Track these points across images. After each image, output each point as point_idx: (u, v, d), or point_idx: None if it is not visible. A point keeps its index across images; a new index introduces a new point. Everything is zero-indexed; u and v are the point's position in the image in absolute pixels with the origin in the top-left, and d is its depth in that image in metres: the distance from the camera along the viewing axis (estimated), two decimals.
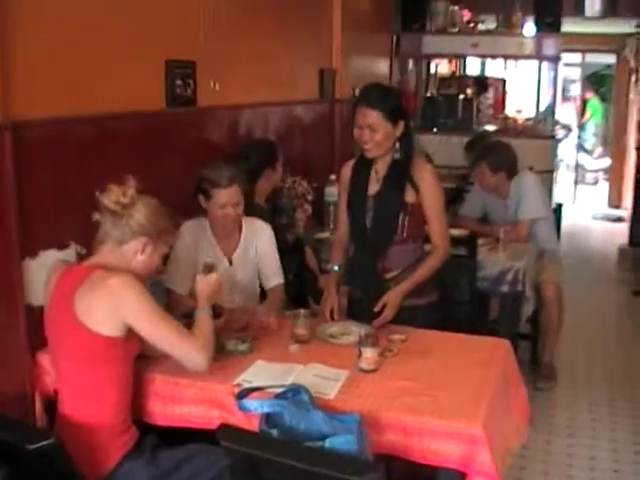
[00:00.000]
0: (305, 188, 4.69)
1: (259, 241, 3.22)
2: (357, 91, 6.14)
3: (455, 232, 4.06)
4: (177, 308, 2.90)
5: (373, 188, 2.98)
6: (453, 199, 5.45)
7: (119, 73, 3.06)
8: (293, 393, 2.16)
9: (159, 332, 2.25)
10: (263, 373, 2.49)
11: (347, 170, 3.10)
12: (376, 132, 2.81)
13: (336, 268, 3.09)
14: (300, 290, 3.80)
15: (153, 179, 3.27)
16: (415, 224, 2.97)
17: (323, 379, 2.44)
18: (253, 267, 3.21)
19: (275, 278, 3.22)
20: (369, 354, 2.50)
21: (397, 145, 2.90)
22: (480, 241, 4.08)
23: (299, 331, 2.76)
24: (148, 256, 2.33)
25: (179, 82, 3.48)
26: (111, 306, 2.18)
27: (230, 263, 3.16)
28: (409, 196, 2.93)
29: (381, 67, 6.90)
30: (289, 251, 3.78)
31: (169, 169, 3.42)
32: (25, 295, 2.51)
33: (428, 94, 7.65)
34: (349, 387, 2.40)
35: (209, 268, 2.59)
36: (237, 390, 2.27)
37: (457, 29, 7.07)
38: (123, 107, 3.06)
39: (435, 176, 2.98)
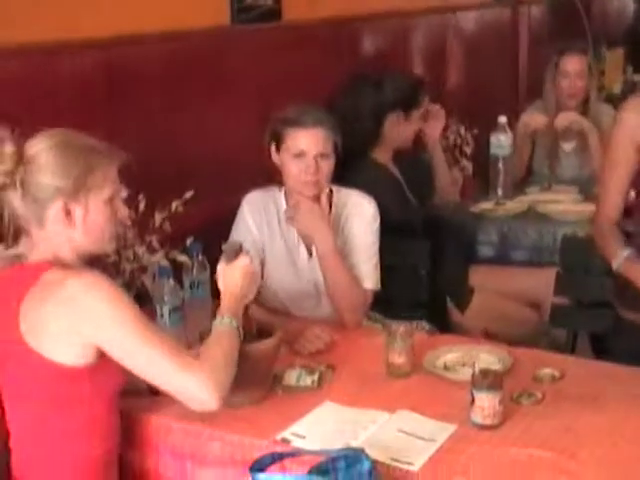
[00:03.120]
0: (462, 137, 4.47)
1: (353, 224, 3.02)
2: None
3: None
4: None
5: None
6: None
7: None
8: (347, 462, 1.97)
9: (141, 354, 2.07)
10: (326, 423, 2.31)
11: (636, 115, 2.71)
12: None
13: (626, 252, 2.78)
14: (434, 291, 3.58)
15: (210, 133, 3.24)
16: None
17: (412, 437, 2.22)
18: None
19: (364, 281, 3.01)
20: (485, 402, 2.25)
21: None
22: None
23: (395, 359, 2.56)
24: (82, 220, 2.12)
25: None
26: (70, 321, 2.04)
27: (310, 254, 3.01)
28: None
29: None
30: (415, 232, 3.59)
31: (236, 117, 3.32)
32: None
33: None
34: (449, 452, 2.16)
35: (234, 252, 2.38)
36: (276, 449, 2.12)
37: None
38: (151, 26, 2.98)
39: None
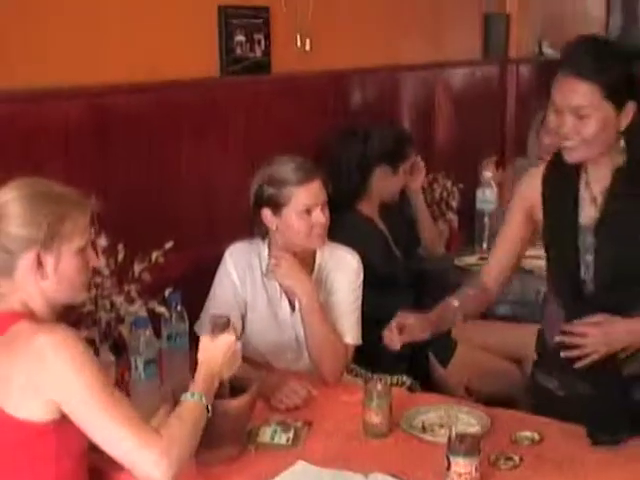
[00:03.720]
0: (448, 190, 4.38)
1: (336, 278, 2.90)
2: (545, 46, 5.78)
3: None
4: None
5: (588, 214, 2.40)
6: None
7: (137, 27, 2.91)
8: None
9: (100, 422, 1.92)
10: None
11: (534, 183, 2.51)
12: (587, 119, 2.24)
13: (456, 303, 2.58)
14: (416, 345, 3.44)
15: (197, 183, 3.14)
16: None
17: None
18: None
19: (346, 336, 2.89)
20: (461, 467, 2.11)
21: (622, 143, 2.31)
22: None
23: (372, 418, 2.43)
24: (53, 271, 1.99)
25: (240, 38, 3.28)
26: (35, 377, 1.90)
27: (293, 309, 2.89)
28: None
29: (591, 8, 6.34)
30: (399, 286, 3.48)
31: (223, 167, 3.22)
32: None
33: None
34: None
35: (221, 325, 2.27)
36: None
37: None
38: (142, 75, 2.91)
39: None
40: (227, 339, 2.23)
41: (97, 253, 2.19)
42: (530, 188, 2.51)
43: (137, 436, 1.93)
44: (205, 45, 3.19)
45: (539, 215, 2.50)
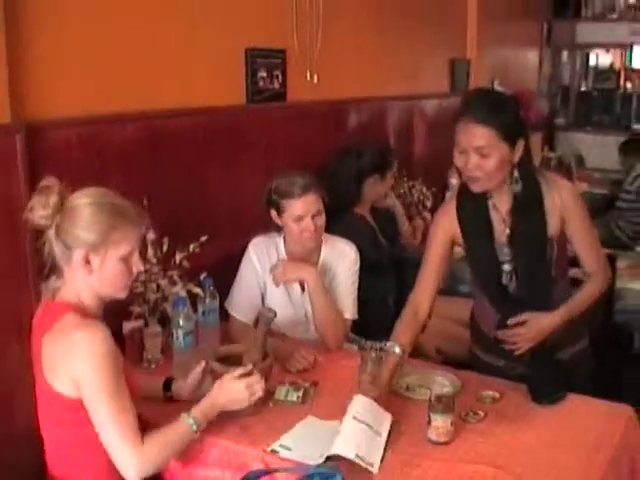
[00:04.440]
0: (424, 194, 4.20)
1: (338, 267, 2.74)
2: (496, 83, 5.63)
3: None
4: (237, 338, 2.55)
5: (500, 231, 2.24)
6: (604, 208, 4.78)
7: (181, 64, 2.72)
8: (322, 478, 1.68)
9: (100, 411, 1.74)
10: (309, 435, 2.02)
11: (450, 216, 2.29)
12: (488, 157, 2.06)
13: (397, 350, 2.24)
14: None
15: (226, 189, 2.98)
16: (562, 257, 2.29)
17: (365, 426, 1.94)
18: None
19: (345, 312, 2.73)
20: (439, 423, 1.97)
21: (515, 173, 2.14)
22: (621, 264, 3.36)
23: (366, 380, 2.25)
24: (98, 269, 1.81)
25: (263, 73, 3.09)
26: (65, 361, 1.75)
27: (303, 290, 2.71)
28: (552, 227, 2.21)
29: (529, 58, 6.21)
30: (385, 270, 3.30)
31: (248, 176, 3.05)
32: None
33: (583, 88, 6.92)
34: (408, 465, 1.88)
35: (269, 318, 2.12)
36: (265, 459, 1.82)
37: (616, 15, 6.35)
38: (185, 103, 2.72)
39: (575, 190, 2.32)
40: (238, 386, 1.96)
41: (146, 254, 2.00)
42: (447, 220, 2.30)
43: (127, 440, 1.76)
44: (235, 79, 3.01)
45: (460, 240, 2.32)
